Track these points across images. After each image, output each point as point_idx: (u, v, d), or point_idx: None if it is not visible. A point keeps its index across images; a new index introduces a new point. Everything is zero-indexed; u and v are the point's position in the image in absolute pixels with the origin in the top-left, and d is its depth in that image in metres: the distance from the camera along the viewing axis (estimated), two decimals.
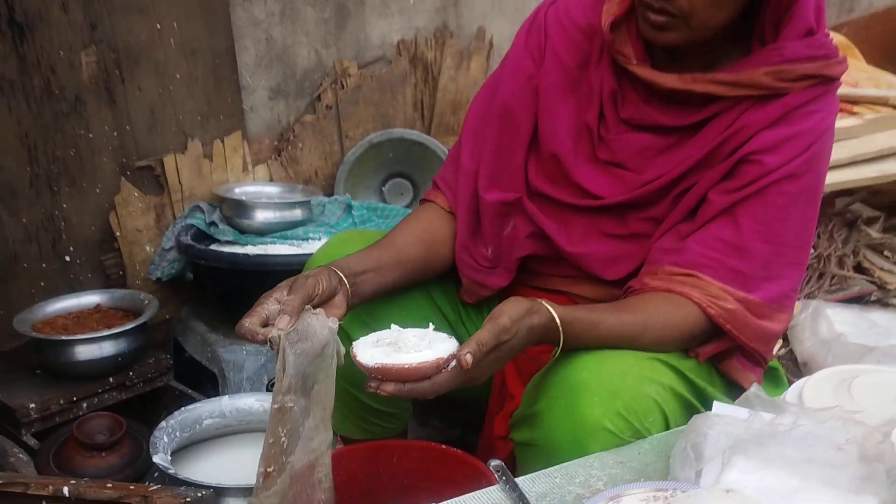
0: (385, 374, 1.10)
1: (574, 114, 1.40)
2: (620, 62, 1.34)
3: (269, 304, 1.16)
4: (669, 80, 1.29)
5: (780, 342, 2.16)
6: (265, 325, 1.14)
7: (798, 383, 1.29)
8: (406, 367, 1.09)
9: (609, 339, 1.23)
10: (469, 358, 1.09)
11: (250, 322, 1.14)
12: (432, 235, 1.47)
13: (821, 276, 2.40)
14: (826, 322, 2.02)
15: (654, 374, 1.23)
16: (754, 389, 1.15)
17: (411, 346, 1.12)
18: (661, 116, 1.34)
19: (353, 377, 1.45)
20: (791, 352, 2.13)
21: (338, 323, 1.17)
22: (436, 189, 1.53)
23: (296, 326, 1.09)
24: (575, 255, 1.40)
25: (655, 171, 1.34)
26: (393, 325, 1.19)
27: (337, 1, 2.44)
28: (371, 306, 1.39)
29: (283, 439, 1.10)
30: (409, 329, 1.17)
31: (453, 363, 1.11)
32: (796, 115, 1.28)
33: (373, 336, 1.17)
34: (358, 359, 1.12)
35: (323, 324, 1.13)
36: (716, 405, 1.15)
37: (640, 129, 1.36)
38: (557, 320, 1.18)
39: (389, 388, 1.11)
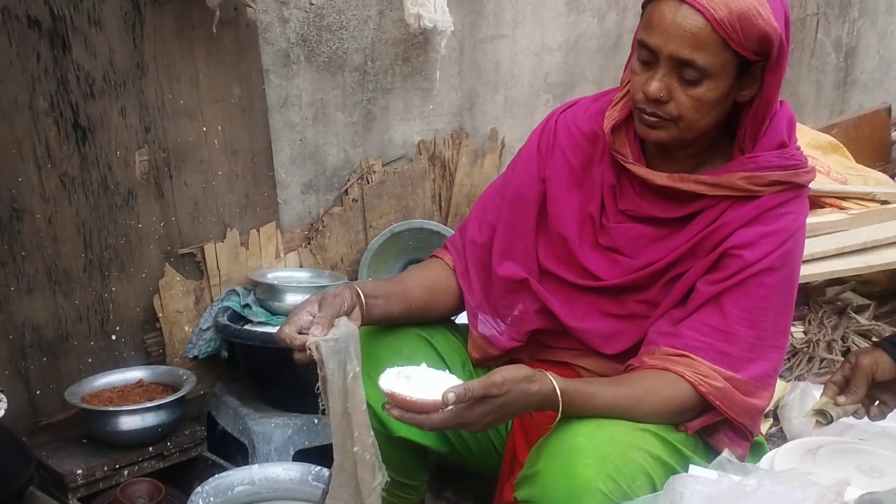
0: (392, 399, 1.30)
1: (579, 205, 1.60)
2: (619, 160, 1.54)
3: (304, 316, 1.38)
4: (660, 178, 1.50)
5: (770, 420, 2.31)
6: (300, 333, 1.36)
7: (771, 452, 1.45)
8: (408, 398, 1.29)
9: (605, 408, 1.39)
10: (451, 396, 1.25)
11: (289, 329, 1.36)
12: (436, 284, 1.69)
13: (810, 359, 2.55)
14: (812, 402, 2.15)
15: (644, 443, 1.38)
16: (726, 454, 1.31)
17: (423, 383, 1.31)
18: (654, 209, 1.54)
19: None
20: (781, 430, 2.27)
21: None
22: (444, 250, 1.75)
23: (328, 335, 1.32)
24: (577, 330, 1.58)
25: (649, 258, 1.53)
26: (423, 364, 1.38)
27: (364, 107, 2.69)
28: (372, 354, 1.56)
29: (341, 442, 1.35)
30: (433, 370, 1.36)
31: (451, 406, 1.28)
32: (770, 215, 1.47)
33: (403, 369, 1.36)
34: (379, 381, 1.32)
35: (347, 324, 1.35)
36: (691, 468, 1.31)
37: (636, 220, 1.56)
38: (558, 391, 1.34)
39: (395, 412, 1.30)
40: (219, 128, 2.42)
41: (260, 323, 2.36)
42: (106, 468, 2.05)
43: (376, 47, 2.67)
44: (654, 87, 1.40)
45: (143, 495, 1.93)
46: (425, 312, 1.67)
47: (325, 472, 1.92)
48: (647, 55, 1.42)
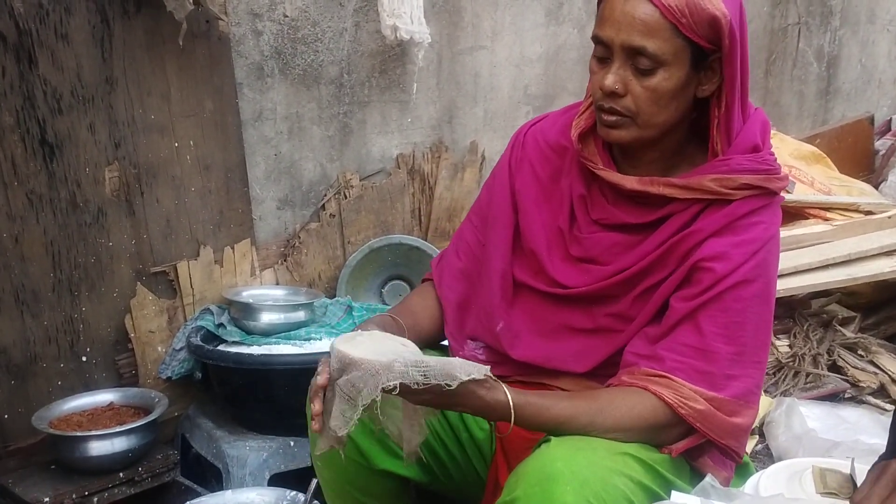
0: (334, 353, 1.29)
1: (548, 218, 1.58)
2: (589, 167, 1.52)
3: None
4: (630, 182, 1.47)
5: (755, 438, 2.27)
6: None
7: (756, 475, 1.41)
8: (349, 354, 1.27)
9: (560, 420, 1.36)
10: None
11: None
12: (439, 311, 1.69)
13: (796, 374, 2.51)
14: (799, 418, 2.13)
15: (625, 468, 1.33)
16: (709, 479, 1.27)
17: (376, 345, 1.31)
18: (625, 215, 1.51)
19: (356, 481, 1.58)
20: (767, 447, 2.23)
21: None
22: (434, 274, 1.73)
23: None
24: (546, 359, 1.55)
25: (620, 265, 1.50)
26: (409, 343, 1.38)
27: (340, 120, 2.65)
28: None
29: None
30: (396, 339, 1.36)
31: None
32: (741, 224, 1.43)
33: (369, 333, 1.37)
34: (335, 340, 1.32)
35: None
36: (674, 494, 1.27)
37: (609, 229, 1.53)
38: (510, 402, 1.32)
39: (334, 368, 1.30)
40: (191, 143, 2.37)
41: (235, 343, 2.31)
42: (74, 495, 1.99)
43: (352, 59, 2.63)
44: (610, 79, 1.40)
45: None
46: (436, 337, 1.69)
47: (301, 496, 1.87)
48: (602, 51, 1.42)
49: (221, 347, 2.29)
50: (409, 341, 1.39)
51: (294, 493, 1.90)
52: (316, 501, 1.77)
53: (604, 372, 1.51)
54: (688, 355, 1.40)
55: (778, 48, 4.03)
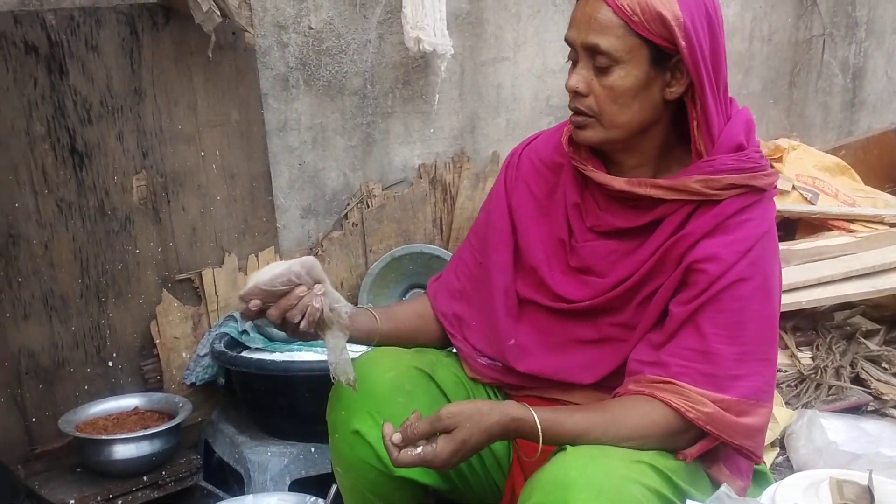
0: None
1: (546, 232, 1.60)
2: (579, 168, 1.54)
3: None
4: (618, 183, 1.49)
5: (776, 450, 2.26)
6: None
7: (772, 486, 1.41)
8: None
9: (577, 433, 1.37)
10: (397, 437, 1.34)
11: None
12: (427, 311, 1.73)
13: (818, 386, 2.50)
14: (820, 431, 2.12)
15: (640, 476, 1.33)
16: (724, 489, 1.27)
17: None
18: (617, 220, 1.53)
19: (376, 488, 1.60)
20: (787, 459, 2.22)
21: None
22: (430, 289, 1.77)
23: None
24: (554, 372, 1.57)
25: (619, 275, 1.51)
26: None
27: (364, 130, 2.68)
28: (373, 390, 1.56)
29: None
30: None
31: (419, 450, 1.33)
32: (730, 224, 1.44)
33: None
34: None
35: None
36: (689, 503, 1.27)
37: (604, 236, 1.55)
38: (520, 421, 1.34)
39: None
40: (217, 152, 2.41)
41: (257, 349, 2.34)
42: (99, 498, 2.02)
43: (376, 71, 2.66)
44: (573, 80, 1.44)
45: None
46: (414, 337, 1.70)
47: (321, 502, 1.89)
48: (571, 54, 1.47)
49: (244, 354, 2.32)
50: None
51: (314, 498, 1.92)
52: None
53: (613, 382, 1.52)
54: (691, 359, 1.41)
55: (802, 60, 4.02)
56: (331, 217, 2.67)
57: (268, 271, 1.40)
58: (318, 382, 1.71)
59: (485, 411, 1.34)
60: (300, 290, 1.42)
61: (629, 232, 1.52)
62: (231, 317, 2.43)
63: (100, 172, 2.24)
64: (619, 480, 1.30)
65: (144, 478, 2.08)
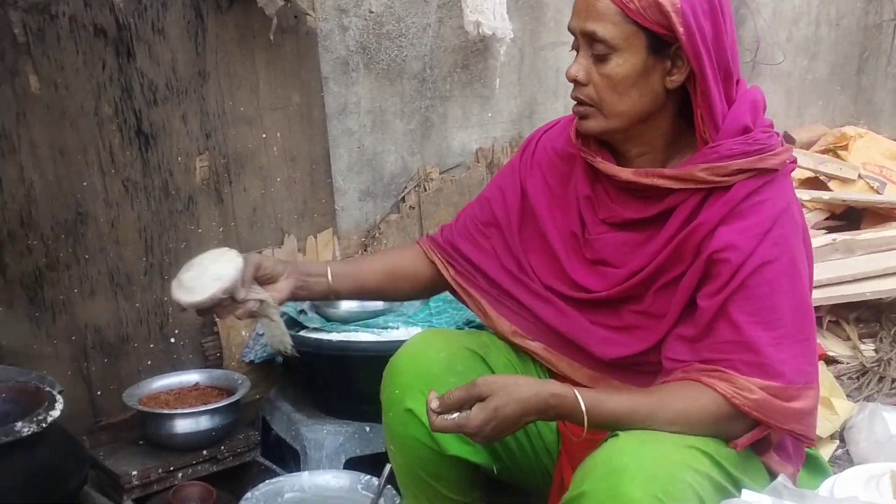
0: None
1: (561, 223, 1.60)
2: (588, 160, 1.53)
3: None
4: (625, 173, 1.48)
5: (836, 443, 2.22)
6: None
7: (831, 478, 1.39)
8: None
9: (619, 412, 1.35)
10: (434, 403, 1.34)
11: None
12: (400, 270, 1.75)
13: (881, 379, 2.44)
14: (881, 424, 2.07)
15: (692, 462, 1.31)
16: (781, 479, 1.25)
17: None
18: (627, 211, 1.51)
19: (429, 467, 1.62)
20: (847, 452, 2.18)
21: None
22: (432, 241, 1.76)
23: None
24: (575, 333, 1.57)
25: (634, 266, 1.50)
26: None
27: (422, 114, 2.69)
28: (426, 370, 1.59)
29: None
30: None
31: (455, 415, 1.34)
32: (743, 208, 1.40)
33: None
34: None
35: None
36: (745, 492, 1.26)
37: (616, 228, 1.53)
38: (562, 396, 1.33)
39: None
40: (278, 135, 2.44)
41: (315, 329, 2.36)
42: (160, 470, 2.07)
43: (435, 54, 2.67)
44: (573, 68, 1.43)
45: (195, 499, 1.96)
46: (380, 295, 1.83)
47: (375, 481, 1.91)
48: (573, 43, 1.46)
49: (302, 333, 2.35)
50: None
51: (368, 477, 1.95)
52: (389, 486, 1.81)
53: (631, 367, 1.51)
54: (731, 351, 1.37)
55: (872, 44, 3.90)
56: (388, 200, 2.69)
57: (202, 291, 1.50)
58: (373, 363, 1.73)
59: (521, 383, 1.35)
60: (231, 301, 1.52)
61: (641, 223, 1.50)
62: None
63: (164, 153, 2.29)
64: (672, 466, 1.29)
65: (204, 452, 2.13)
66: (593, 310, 1.56)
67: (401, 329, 2.36)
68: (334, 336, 2.32)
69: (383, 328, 2.38)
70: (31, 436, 1.62)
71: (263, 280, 1.57)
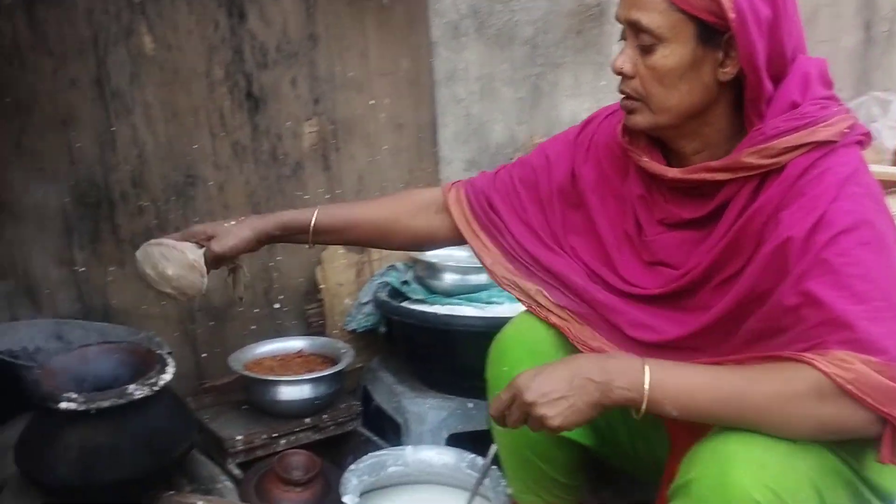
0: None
1: (615, 218, 1.50)
2: (634, 159, 1.43)
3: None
4: (671, 172, 1.38)
5: None
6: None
7: None
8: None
9: (701, 385, 1.22)
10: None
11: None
12: (401, 226, 1.68)
13: None
14: None
15: (806, 449, 1.19)
16: None
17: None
18: (683, 211, 1.41)
19: (537, 447, 1.57)
20: None
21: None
22: (458, 189, 1.67)
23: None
24: (600, 306, 1.48)
25: (691, 264, 1.40)
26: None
27: (532, 82, 2.60)
28: (534, 347, 1.54)
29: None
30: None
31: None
32: (801, 185, 1.27)
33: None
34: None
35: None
36: None
37: (673, 228, 1.43)
38: (643, 362, 1.23)
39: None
40: (386, 101, 2.39)
41: (418, 301, 2.33)
42: (264, 436, 2.07)
43: (548, 19, 2.57)
44: (619, 60, 1.34)
45: (300, 467, 1.94)
46: (371, 244, 1.85)
47: (480, 460, 1.87)
48: (621, 32, 1.36)
49: (405, 304, 2.32)
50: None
51: (473, 455, 1.90)
52: (494, 467, 1.76)
53: (658, 349, 1.40)
54: (822, 334, 1.20)
55: None
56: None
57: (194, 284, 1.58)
58: (479, 338, 1.67)
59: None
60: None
61: (697, 221, 1.40)
62: (393, 266, 2.43)
63: (273, 117, 2.27)
64: (783, 454, 1.18)
65: (307, 420, 2.12)
66: (641, 303, 1.47)
67: (505, 305, 2.30)
68: (438, 309, 2.28)
69: (487, 303, 2.32)
70: (143, 399, 1.62)
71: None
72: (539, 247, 1.58)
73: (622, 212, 1.50)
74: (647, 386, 1.22)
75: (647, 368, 1.23)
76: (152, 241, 1.57)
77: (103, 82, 2.05)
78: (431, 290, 2.36)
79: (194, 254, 1.55)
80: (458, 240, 1.68)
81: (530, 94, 2.61)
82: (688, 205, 1.41)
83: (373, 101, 2.37)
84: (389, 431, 2.27)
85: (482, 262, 1.63)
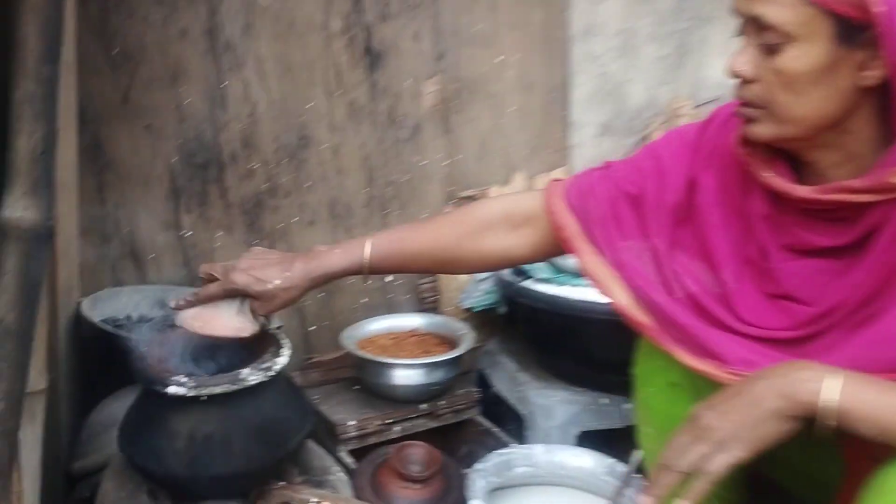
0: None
1: (737, 240, 1.28)
2: (751, 170, 1.22)
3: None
4: (801, 191, 1.16)
5: None
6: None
7: None
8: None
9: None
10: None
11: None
12: (485, 251, 1.46)
13: None
14: None
15: None
16: None
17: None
18: (818, 237, 1.19)
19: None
20: None
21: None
22: (564, 209, 1.41)
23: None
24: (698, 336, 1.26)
25: (830, 302, 1.18)
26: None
27: (678, 38, 2.33)
28: None
29: None
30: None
31: None
32: None
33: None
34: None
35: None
36: None
37: (803, 255, 1.21)
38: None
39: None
40: (515, 58, 2.17)
41: (543, 280, 2.12)
42: (378, 422, 1.93)
43: None
44: (738, 60, 1.15)
45: (418, 462, 1.78)
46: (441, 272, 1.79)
47: (620, 467, 1.67)
48: (739, 27, 1.15)
49: (528, 284, 2.11)
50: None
51: (613, 461, 1.70)
52: (637, 475, 1.56)
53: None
54: None
55: None
56: (630, 137, 2.38)
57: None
58: (615, 328, 1.46)
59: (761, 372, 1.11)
60: None
61: (835, 251, 1.19)
62: None
63: (393, 75, 2.08)
64: None
65: (423, 406, 1.96)
66: (754, 341, 1.24)
67: None
68: (566, 290, 2.07)
69: None
70: (257, 385, 1.48)
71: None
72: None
73: (742, 233, 1.28)
74: (837, 398, 1.06)
75: (836, 380, 1.06)
76: (187, 314, 1.47)
77: (215, 33, 1.88)
78: (559, 269, 2.15)
79: (238, 321, 1.48)
80: (543, 257, 1.52)
81: (675, 51, 2.34)
82: (824, 230, 1.20)
83: (501, 58, 2.15)
84: (509, 422, 2.09)
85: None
